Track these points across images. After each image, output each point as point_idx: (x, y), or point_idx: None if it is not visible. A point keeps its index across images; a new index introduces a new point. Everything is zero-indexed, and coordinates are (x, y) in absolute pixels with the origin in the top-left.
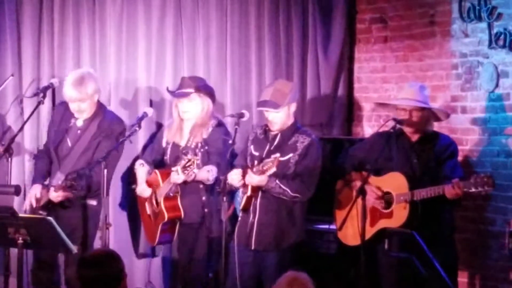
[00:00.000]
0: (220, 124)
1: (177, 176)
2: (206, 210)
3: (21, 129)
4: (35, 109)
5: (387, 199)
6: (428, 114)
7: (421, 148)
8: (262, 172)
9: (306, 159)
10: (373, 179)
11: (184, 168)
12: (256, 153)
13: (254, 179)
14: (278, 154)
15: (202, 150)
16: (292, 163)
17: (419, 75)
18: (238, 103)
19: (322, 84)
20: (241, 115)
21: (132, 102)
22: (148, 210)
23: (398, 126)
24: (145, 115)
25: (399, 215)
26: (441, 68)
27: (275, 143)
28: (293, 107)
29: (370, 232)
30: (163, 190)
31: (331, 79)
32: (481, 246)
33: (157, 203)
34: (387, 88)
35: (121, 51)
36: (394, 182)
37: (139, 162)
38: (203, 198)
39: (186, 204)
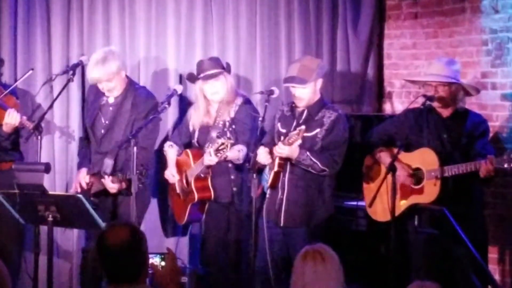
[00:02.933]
0: (246, 102)
1: (210, 157)
2: (234, 189)
3: (51, 107)
4: (64, 87)
5: (417, 175)
6: (456, 89)
7: (451, 124)
8: (289, 144)
9: (333, 133)
10: (403, 155)
11: (217, 151)
12: (283, 130)
13: (284, 149)
14: (303, 127)
15: (230, 128)
16: (319, 138)
17: (449, 52)
18: (268, 80)
19: (352, 61)
20: (271, 92)
21: (161, 79)
22: (178, 189)
23: (428, 102)
24: (174, 92)
25: (430, 191)
26: (471, 45)
27: (302, 119)
28: (320, 83)
29: (400, 208)
30: (194, 171)
31: (361, 56)
32: (511, 221)
33: (188, 183)
34: (417, 64)
35: (151, 28)
36: (425, 158)
37: (168, 143)
38: (232, 177)
39: (216, 184)
